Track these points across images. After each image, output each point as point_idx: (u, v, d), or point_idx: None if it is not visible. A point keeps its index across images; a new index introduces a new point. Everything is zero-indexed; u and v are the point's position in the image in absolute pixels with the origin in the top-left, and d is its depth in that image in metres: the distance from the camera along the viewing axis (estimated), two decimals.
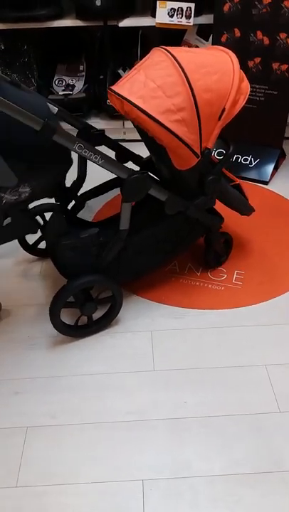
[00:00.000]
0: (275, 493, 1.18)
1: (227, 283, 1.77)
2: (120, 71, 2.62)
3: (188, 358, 1.51)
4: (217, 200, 1.64)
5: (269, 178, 2.32)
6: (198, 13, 2.30)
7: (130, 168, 1.38)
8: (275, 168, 2.36)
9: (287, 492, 1.18)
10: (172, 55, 1.38)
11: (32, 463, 1.26)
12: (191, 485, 1.20)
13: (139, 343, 1.55)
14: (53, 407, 1.38)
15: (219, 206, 1.68)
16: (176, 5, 2.26)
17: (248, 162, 2.37)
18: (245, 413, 1.35)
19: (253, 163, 2.36)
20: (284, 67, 2.19)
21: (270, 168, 2.34)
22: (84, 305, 1.51)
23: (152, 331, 1.59)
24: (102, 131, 1.65)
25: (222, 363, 1.49)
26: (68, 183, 1.74)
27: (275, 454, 1.26)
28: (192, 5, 2.24)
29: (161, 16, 2.30)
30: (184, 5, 2.25)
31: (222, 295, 1.72)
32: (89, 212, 2.07)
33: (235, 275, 1.80)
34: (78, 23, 2.43)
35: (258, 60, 2.23)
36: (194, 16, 2.26)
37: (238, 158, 2.38)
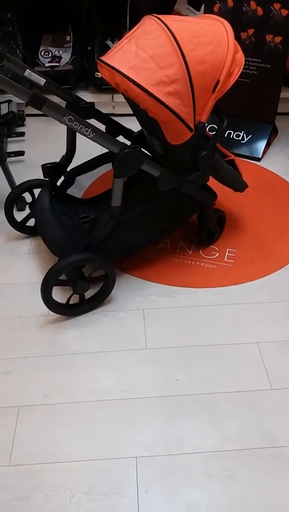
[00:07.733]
0: (267, 469, 1.20)
1: (219, 261, 1.76)
2: (109, 42, 2.54)
3: (181, 336, 1.50)
4: (210, 177, 1.61)
5: (261, 154, 2.29)
6: None
7: (122, 142, 1.34)
8: (268, 145, 2.33)
9: (279, 467, 1.20)
10: (165, 24, 1.32)
11: (24, 442, 1.25)
12: (184, 461, 1.21)
13: (131, 322, 1.54)
14: (45, 386, 1.37)
15: (212, 182, 1.65)
16: None
17: (240, 138, 2.33)
18: (238, 390, 1.36)
19: (245, 139, 2.32)
20: (278, 39, 2.13)
21: (263, 144, 2.30)
22: (76, 283, 1.49)
23: (144, 310, 1.58)
24: (92, 103, 1.60)
25: (214, 340, 1.49)
26: (57, 158, 1.69)
27: (268, 431, 1.27)
28: None
29: None
30: None
31: (214, 273, 1.71)
32: (79, 189, 2.02)
33: (227, 253, 1.79)
34: None
35: (251, 31, 2.16)
36: None
37: (230, 133, 2.34)
